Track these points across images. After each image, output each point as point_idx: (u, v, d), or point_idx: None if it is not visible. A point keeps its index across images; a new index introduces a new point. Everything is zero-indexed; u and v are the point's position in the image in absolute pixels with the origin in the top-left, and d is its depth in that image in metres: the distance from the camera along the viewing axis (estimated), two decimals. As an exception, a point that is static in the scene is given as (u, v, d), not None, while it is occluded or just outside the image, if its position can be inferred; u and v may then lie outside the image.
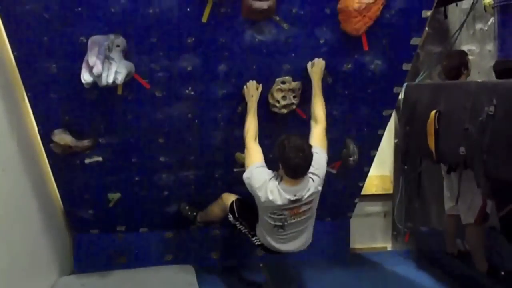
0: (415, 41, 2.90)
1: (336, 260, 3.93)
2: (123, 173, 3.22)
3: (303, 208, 2.74)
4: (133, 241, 3.65)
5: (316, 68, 2.84)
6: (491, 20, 3.78)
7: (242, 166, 2.92)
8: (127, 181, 3.27)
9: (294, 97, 2.95)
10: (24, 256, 2.73)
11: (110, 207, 3.37)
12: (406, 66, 3.02)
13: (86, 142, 2.94)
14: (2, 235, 2.44)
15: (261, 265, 3.83)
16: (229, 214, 3.07)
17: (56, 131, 2.86)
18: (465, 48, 4.04)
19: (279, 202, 2.64)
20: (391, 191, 4.16)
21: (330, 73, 2.91)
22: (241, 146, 2.88)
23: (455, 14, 3.99)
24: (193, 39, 2.65)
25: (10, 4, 2.41)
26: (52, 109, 2.80)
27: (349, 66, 2.93)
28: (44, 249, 3.10)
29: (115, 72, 2.48)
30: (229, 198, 3.14)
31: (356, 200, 3.87)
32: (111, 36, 2.53)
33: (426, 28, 3.07)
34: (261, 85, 2.87)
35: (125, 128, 2.98)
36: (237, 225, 3.05)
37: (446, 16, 3.87)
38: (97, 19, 2.51)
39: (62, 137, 2.86)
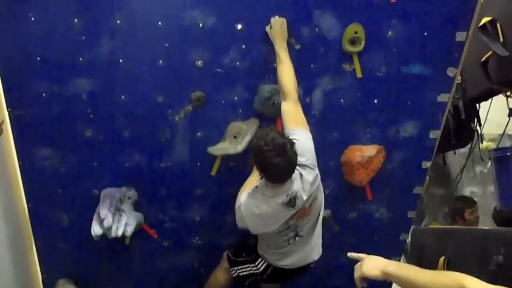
0: (417, 190, 2.96)
1: None
2: (125, 324, 3.10)
3: (307, 205, 2.27)
4: None
5: (275, 29, 2.30)
6: (490, 163, 3.92)
7: None
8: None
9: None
10: None
11: None
12: (410, 214, 3.04)
13: (89, 293, 2.89)
14: None
15: None
16: (231, 268, 2.67)
17: (60, 281, 2.84)
18: (467, 190, 4.15)
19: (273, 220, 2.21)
20: None
21: (336, 222, 2.94)
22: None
23: (454, 158, 4.15)
24: (202, 190, 2.75)
25: (31, 161, 2.57)
26: (59, 259, 2.82)
27: (354, 214, 2.96)
28: None
29: (125, 224, 2.53)
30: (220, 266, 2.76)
31: None
32: (123, 189, 2.64)
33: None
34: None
35: (131, 277, 2.95)
36: (241, 272, 2.63)
37: (445, 163, 4.02)
38: (111, 173, 2.64)
39: (65, 288, 2.83)
